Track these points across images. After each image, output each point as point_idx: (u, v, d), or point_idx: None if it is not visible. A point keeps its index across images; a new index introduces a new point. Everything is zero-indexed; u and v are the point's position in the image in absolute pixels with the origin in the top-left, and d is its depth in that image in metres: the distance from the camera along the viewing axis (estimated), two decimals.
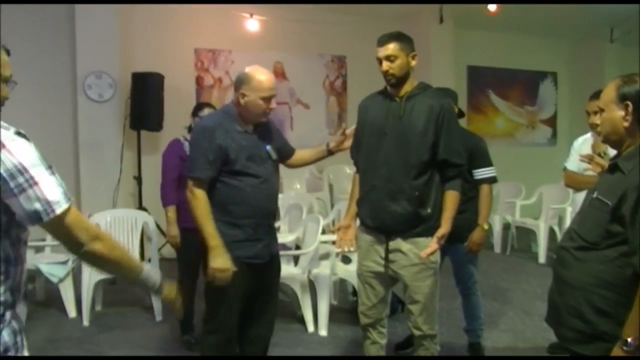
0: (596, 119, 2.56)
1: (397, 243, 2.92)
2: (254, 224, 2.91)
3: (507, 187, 7.79)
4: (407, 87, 2.91)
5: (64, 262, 4.79)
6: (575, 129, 8.99)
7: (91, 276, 4.65)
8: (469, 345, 4.00)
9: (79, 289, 4.76)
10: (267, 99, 2.88)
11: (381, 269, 2.99)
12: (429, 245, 2.85)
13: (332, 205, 6.95)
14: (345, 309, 4.94)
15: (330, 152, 3.29)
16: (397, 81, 2.88)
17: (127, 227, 5.00)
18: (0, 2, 5.53)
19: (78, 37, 6.25)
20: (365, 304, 3.11)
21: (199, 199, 2.83)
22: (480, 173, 3.68)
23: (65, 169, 6.46)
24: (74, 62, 6.36)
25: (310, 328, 4.50)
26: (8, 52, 1.63)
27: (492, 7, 7.30)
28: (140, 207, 6.21)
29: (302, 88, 8.00)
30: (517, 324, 4.69)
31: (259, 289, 3.02)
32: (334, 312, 4.67)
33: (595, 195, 2.10)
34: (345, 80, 8.33)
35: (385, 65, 2.86)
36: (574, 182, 3.67)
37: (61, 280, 4.70)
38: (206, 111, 4.00)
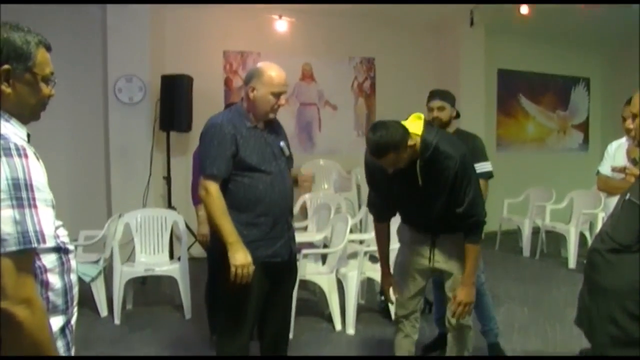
0: (630, 124, 2.52)
1: (444, 238, 2.95)
2: (271, 222, 2.85)
3: (537, 191, 7.74)
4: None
5: (96, 262, 4.86)
6: (607, 135, 8.85)
7: (122, 275, 4.73)
8: (489, 347, 3.95)
9: (110, 288, 4.83)
10: (277, 95, 2.83)
11: (425, 262, 3.00)
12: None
13: (360, 206, 6.96)
14: (373, 309, 4.95)
15: None
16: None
17: (157, 226, 5.10)
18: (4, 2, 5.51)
19: (109, 41, 6.33)
20: (405, 295, 3.10)
21: (213, 195, 2.74)
22: (476, 168, 3.63)
23: (96, 170, 6.58)
24: (105, 66, 6.45)
25: (338, 327, 4.51)
26: (49, 48, 1.54)
27: (524, 10, 7.20)
28: (170, 207, 6.26)
29: (331, 90, 7.97)
30: (547, 330, 4.62)
31: (276, 288, 2.97)
32: (361, 311, 4.69)
33: (627, 197, 2.07)
34: (374, 83, 8.28)
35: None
36: (607, 186, 3.61)
37: (93, 279, 4.76)
38: None
